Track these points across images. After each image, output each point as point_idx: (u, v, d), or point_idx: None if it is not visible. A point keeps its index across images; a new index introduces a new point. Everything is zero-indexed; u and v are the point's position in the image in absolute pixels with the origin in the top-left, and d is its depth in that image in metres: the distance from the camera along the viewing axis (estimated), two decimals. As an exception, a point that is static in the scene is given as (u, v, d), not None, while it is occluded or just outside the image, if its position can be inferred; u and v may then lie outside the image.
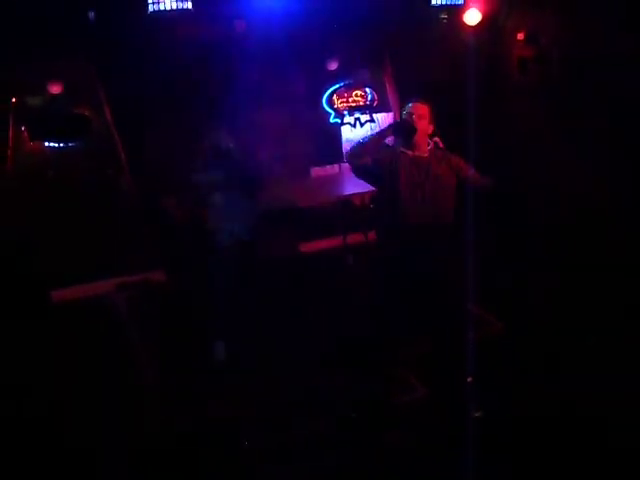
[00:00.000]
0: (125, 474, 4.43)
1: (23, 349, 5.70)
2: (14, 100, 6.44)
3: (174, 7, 6.42)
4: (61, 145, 6.99)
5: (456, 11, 7.43)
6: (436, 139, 4.62)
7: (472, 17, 7.13)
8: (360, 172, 4.69)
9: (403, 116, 4.53)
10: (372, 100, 8.10)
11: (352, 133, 7.97)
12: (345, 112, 7.97)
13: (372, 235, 7.05)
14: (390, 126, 4.56)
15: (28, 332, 5.93)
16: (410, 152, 4.49)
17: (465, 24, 7.22)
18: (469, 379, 4.92)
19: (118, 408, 5.00)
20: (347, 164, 7.81)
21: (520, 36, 7.41)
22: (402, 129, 4.43)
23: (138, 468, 4.46)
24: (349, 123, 7.97)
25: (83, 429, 4.79)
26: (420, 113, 4.45)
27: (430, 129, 4.53)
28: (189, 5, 6.46)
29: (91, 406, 5.02)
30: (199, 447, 4.61)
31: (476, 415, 4.74)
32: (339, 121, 7.98)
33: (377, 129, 7.91)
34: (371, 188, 5.30)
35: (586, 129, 6.77)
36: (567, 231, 6.83)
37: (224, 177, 5.12)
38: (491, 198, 4.69)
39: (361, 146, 4.49)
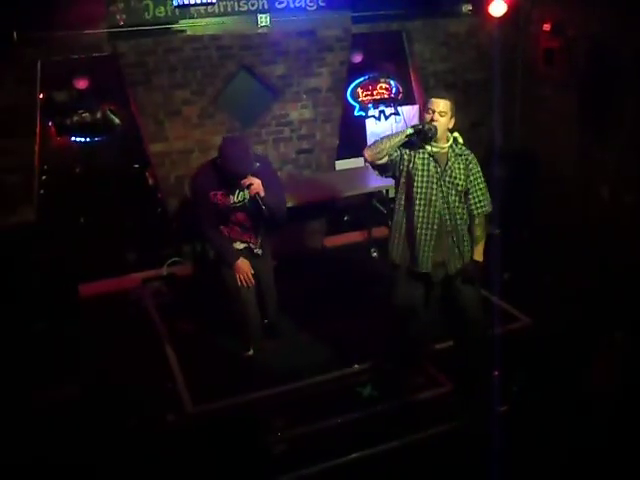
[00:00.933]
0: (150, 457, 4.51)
1: (52, 342, 5.78)
2: (41, 95, 6.48)
3: (198, 1, 6.44)
4: (87, 140, 7.06)
5: (481, 2, 7.37)
6: (455, 134, 4.57)
7: (498, 8, 7.08)
8: (376, 169, 4.68)
9: (425, 118, 4.46)
10: (397, 93, 8.08)
11: (377, 126, 7.94)
12: (370, 105, 7.95)
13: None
14: (410, 129, 4.48)
15: (56, 326, 6.01)
16: (429, 147, 4.46)
17: (490, 15, 7.16)
18: (495, 373, 4.91)
19: (144, 399, 5.07)
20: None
21: (546, 27, 7.32)
22: (421, 132, 4.38)
23: (162, 452, 4.54)
24: (374, 116, 7.94)
25: (109, 418, 4.86)
26: (440, 110, 4.37)
27: (451, 124, 4.48)
28: (213, -1, 6.50)
29: (118, 398, 5.08)
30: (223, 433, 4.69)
31: (502, 409, 4.74)
32: (363, 114, 7.96)
33: (402, 122, 7.90)
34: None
35: (612, 122, 6.70)
36: (592, 223, 6.77)
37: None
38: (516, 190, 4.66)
39: (379, 146, 4.45)
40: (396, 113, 7.96)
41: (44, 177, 6.89)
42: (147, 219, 7.25)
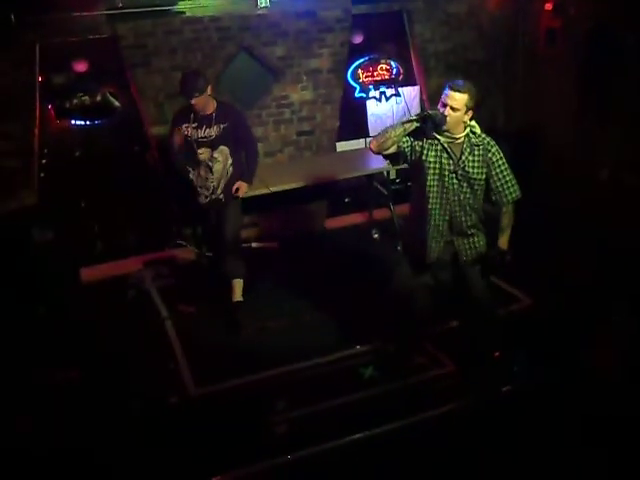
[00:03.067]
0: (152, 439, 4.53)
1: (53, 326, 5.79)
2: (40, 78, 6.44)
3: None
4: (87, 123, 7.01)
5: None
6: (472, 123, 4.35)
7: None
8: (387, 159, 4.63)
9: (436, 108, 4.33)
10: (397, 74, 8.02)
11: (377, 107, 7.91)
12: (370, 86, 7.90)
13: (398, 210, 7.09)
14: (417, 118, 4.37)
15: (58, 310, 6.02)
16: (442, 138, 4.33)
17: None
18: (496, 354, 4.92)
19: (146, 382, 5.09)
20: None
21: (548, 6, 7.28)
22: (430, 120, 4.25)
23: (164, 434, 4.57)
24: (374, 97, 7.90)
25: (111, 401, 4.88)
26: (453, 104, 4.18)
27: (467, 117, 4.26)
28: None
29: (120, 381, 5.10)
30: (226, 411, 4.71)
31: (503, 390, 4.75)
32: (364, 95, 7.92)
33: (403, 103, 7.86)
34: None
35: (614, 103, 6.66)
36: (592, 204, 6.75)
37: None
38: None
39: (384, 136, 4.35)
40: (397, 94, 7.93)
41: (44, 161, 6.85)
42: (148, 202, 7.22)
